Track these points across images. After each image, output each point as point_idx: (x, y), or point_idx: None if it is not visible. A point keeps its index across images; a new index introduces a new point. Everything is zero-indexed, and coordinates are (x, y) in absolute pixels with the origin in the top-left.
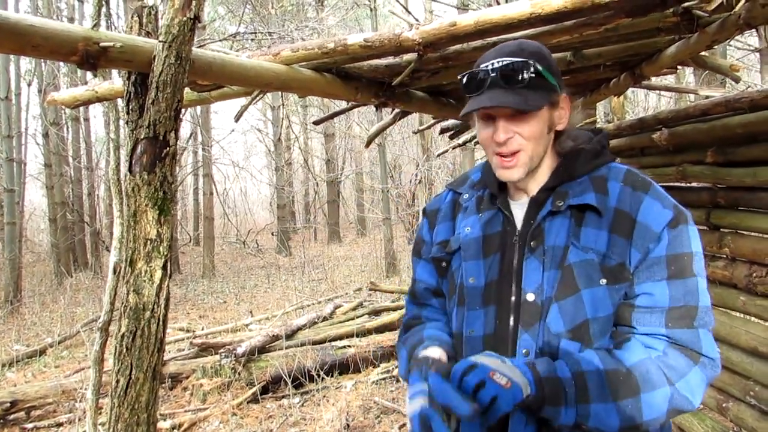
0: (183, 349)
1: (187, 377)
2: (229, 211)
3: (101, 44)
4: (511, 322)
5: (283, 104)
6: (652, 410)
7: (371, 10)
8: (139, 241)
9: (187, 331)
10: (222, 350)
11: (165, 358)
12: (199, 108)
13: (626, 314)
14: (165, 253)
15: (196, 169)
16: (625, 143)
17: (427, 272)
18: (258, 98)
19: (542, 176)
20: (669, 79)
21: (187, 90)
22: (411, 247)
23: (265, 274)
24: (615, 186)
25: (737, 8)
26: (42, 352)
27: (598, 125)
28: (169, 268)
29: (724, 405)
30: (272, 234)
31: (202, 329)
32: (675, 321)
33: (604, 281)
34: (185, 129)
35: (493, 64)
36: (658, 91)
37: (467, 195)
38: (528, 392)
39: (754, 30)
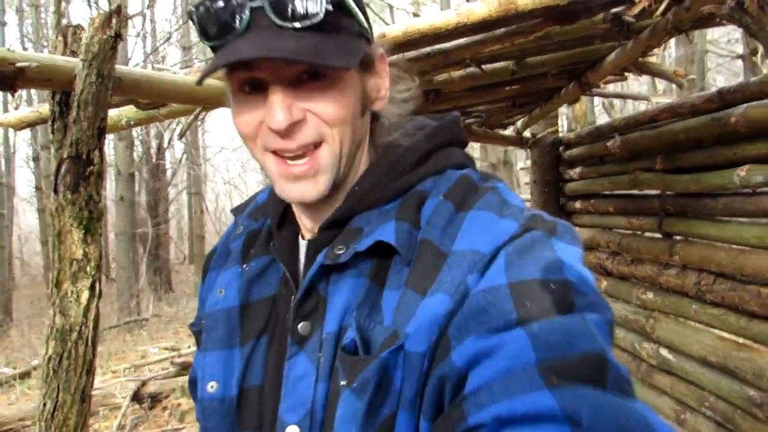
0: (167, 368)
1: (167, 397)
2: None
3: (17, 65)
4: None
5: None
6: None
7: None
8: (65, 261)
9: (173, 350)
10: None
11: (145, 378)
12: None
13: None
14: (93, 273)
15: (185, 188)
16: (586, 151)
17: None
18: (202, 115)
19: None
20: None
21: (133, 108)
22: None
23: None
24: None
25: (657, 13)
26: (26, 374)
27: (560, 135)
28: (98, 288)
29: (682, 416)
30: None
31: (189, 348)
32: None
33: None
34: (177, 148)
35: None
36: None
37: (241, 228)
38: None
39: (739, 37)
